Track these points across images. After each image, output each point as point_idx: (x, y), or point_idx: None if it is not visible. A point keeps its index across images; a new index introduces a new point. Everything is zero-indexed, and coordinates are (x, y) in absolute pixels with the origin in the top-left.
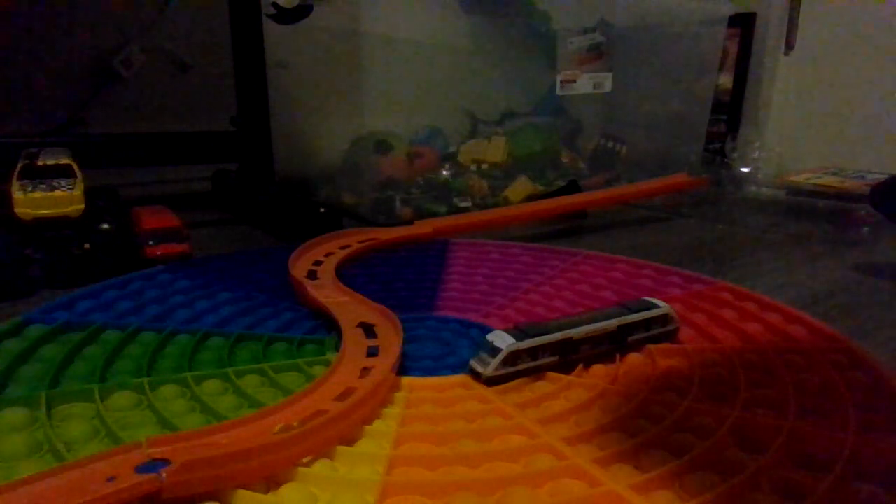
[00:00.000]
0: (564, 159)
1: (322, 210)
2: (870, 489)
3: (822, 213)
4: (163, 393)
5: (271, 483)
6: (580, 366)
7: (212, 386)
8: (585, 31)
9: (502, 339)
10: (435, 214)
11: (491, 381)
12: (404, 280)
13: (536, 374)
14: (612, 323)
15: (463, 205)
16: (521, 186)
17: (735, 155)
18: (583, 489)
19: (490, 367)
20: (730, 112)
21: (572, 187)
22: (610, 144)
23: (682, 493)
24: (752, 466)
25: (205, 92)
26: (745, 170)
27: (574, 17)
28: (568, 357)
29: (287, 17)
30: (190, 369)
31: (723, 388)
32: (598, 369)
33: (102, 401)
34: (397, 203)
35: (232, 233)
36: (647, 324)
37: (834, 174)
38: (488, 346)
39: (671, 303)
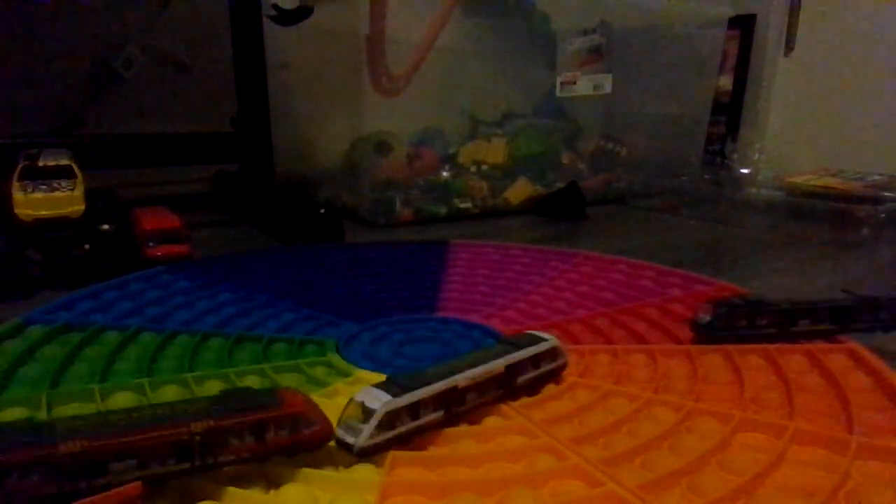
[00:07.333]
0: (564, 161)
1: (322, 211)
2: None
3: (821, 214)
4: (163, 393)
5: (272, 483)
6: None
7: (212, 386)
8: (585, 33)
9: (374, 398)
10: (435, 215)
11: (364, 453)
12: (404, 281)
13: (419, 434)
14: (499, 363)
15: (463, 206)
16: (521, 187)
17: (735, 156)
18: (584, 489)
19: (363, 436)
20: (730, 113)
21: (572, 188)
22: (610, 146)
23: (688, 494)
24: (757, 467)
25: (205, 92)
26: (744, 171)
27: (574, 19)
28: (453, 410)
29: (287, 18)
30: (190, 370)
31: (726, 389)
32: (599, 371)
33: (103, 401)
34: (397, 204)
35: (232, 233)
36: (535, 361)
37: (834, 175)
38: (358, 407)
39: (672, 304)
